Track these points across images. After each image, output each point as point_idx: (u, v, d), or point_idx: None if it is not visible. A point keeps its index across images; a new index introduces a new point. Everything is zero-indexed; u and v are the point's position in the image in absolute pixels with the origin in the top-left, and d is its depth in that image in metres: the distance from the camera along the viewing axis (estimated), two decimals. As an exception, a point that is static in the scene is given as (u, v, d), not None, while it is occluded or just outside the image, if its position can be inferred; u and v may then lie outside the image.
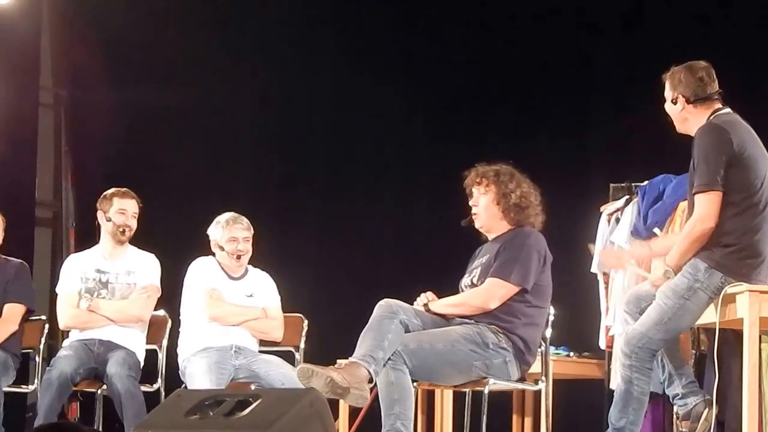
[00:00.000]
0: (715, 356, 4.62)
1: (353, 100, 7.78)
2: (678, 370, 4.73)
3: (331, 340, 6.17)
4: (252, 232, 5.88)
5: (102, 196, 5.96)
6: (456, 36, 7.91)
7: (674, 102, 4.65)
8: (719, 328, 4.59)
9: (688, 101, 4.62)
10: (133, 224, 5.94)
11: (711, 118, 4.60)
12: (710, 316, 4.60)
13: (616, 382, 4.87)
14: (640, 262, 5.14)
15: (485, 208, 5.05)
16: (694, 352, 5.40)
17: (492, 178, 5.03)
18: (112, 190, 5.97)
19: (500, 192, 5.01)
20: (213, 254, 5.90)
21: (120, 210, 5.89)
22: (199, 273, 5.83)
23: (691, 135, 4.65)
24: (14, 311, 5.89)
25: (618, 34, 7.51)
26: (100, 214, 5.94)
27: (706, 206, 4.47)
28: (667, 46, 6.95)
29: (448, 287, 5.13)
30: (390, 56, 7.92)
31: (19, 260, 6.10)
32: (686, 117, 4.64)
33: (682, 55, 4.88)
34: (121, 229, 5.88)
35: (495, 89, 7.76)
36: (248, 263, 5.94)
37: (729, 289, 4.52)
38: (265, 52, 7.86)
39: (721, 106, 4.64)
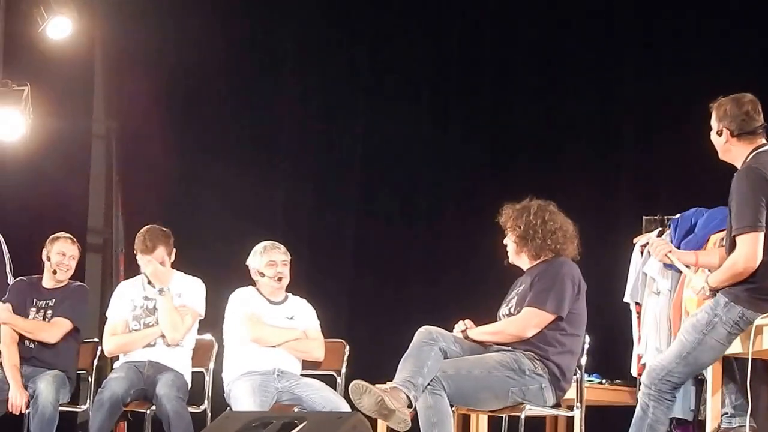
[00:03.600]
0: (749, 385, 4.70)
1: (385, 130, 7.91)
2: (728, 392, 4.87)
3: (369, 364, 6.25)
4: (289, 257, 6.03)
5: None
6: (485, 66, 8.06)
7: (719, 134, 4.72)
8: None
9: (732, 134, 4.69)
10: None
11: (751, 155, 4.68)
12: (741, 346, 4.67)
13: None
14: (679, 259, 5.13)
15: (508, 246, 5.26)
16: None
17: (506, 217, 5.23)
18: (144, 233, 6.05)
19: (509, 229, 5.21)
20: (253, 284, 6.05)
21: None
22: (240, 301, 5.97)
23: (732, 164, 4.75)
24: (58, 325, 6.06)
25: (650, 65, 7.60)
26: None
27: (749, 247, 4.55)
28: (698, 75, 7.05)
29: (481, 312, 5.25)
30: (420, 84, 8.07)
31: (80, 283, 6.32)
32: (729, 148, 4.72)
33: (712, 86, 4.98)
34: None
35: (527, 121, 7.86)
36: (287, 291, 6.07)
37: (760, 321, 4.59)
38: (301, 89, 8.04)
39: (764, 141, 4.72)
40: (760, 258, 4.55)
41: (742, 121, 4.68)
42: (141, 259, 6.04)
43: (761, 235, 4.54)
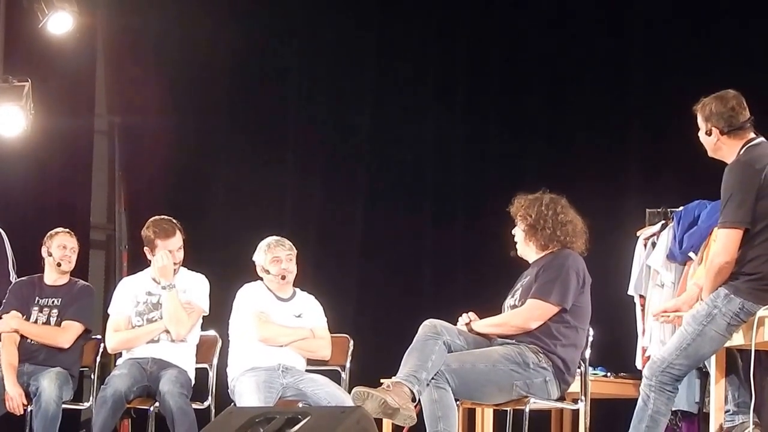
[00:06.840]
0: (752, 377, 4.70)
1: (393, 126, 7.94)
2: (731, 388, 4.89)
3: (374, 359, 6.31)
4: (295, 252, 6.02)
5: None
6: (494, 60, 8.07)
7: (708, 134, 4.74)
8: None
9: (722, 132, 4.70)
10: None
11: (742, 150, 4.69)
12: (745, 338, 4.68)
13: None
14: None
15: (516, 236, 5.27)
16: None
17: (517, 207, 5.25)
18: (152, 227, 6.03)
19: (520, 217, 5.23)
20: (260, 279, 6.05)
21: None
22: (248, 297, 5.97)
23: (724, 161, 4.76)
24: (70, 329, 6.08)
25: (654, 61, 7.62)
26: (147, 250, 6.08)
27: (722, 241, 4.59)
28: (702, 70, 7.07)
29: (487, 306, 5.26)
30: (429, 78, 8.08)
31: (85, 282, 6.33)
32: (720, 146, 4.74)
33: (716, 80, 4.97)
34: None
35: (536, 115, 7.89)
36: (295, 286, 6.07)
37: (762, 312, 4.60)
38: (308, 82, 8.05)
39: (753, 135, 4.73)
40: (731, 254, 4.57)
41: (729, 117, 4.69)
42: (161, 245, 5.97)
43: (738, 232, 4.57)
